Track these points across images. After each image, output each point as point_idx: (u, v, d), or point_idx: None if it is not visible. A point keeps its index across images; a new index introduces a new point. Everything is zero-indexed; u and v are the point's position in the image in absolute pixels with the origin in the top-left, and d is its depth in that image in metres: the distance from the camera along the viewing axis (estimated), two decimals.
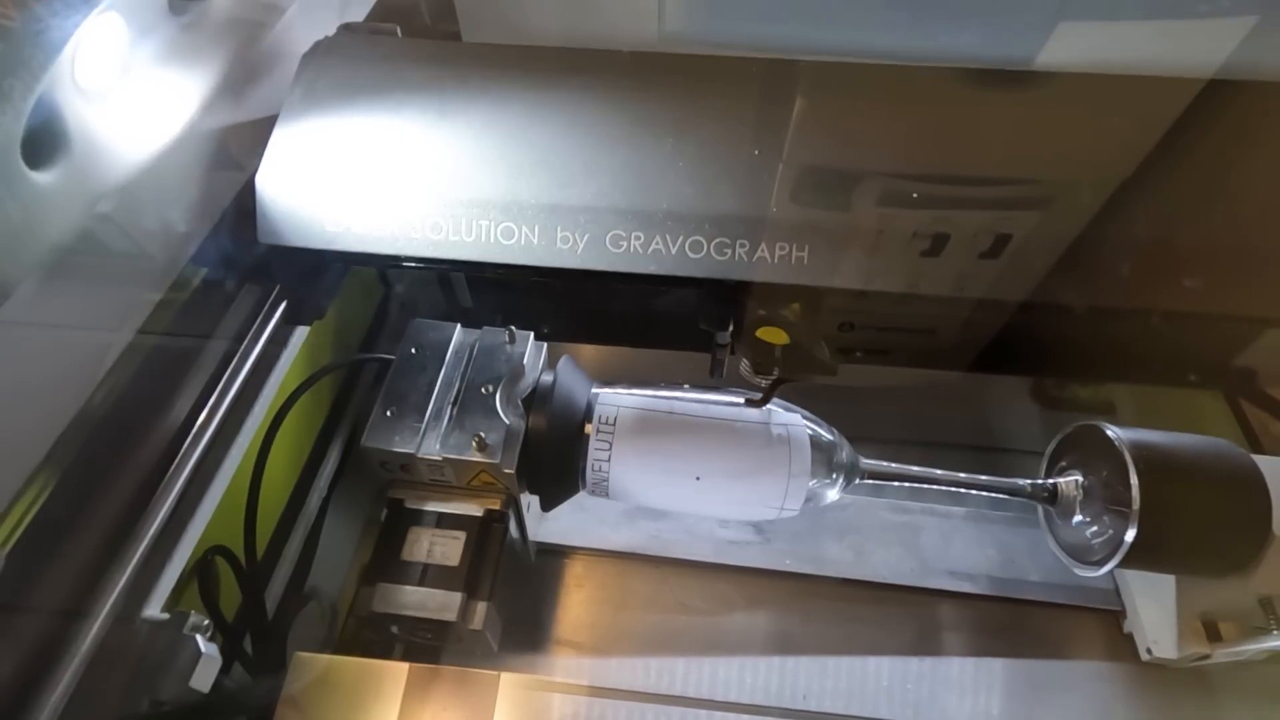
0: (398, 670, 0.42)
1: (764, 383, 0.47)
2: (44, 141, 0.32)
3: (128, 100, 0.38)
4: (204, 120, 0.42)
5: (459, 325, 0.53)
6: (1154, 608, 0.53)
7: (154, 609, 0.39)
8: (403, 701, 0.41)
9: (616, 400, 0.50)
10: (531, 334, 0.52)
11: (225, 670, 0.40)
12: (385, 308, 0.75)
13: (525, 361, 0.51)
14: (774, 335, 0.46)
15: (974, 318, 0.58)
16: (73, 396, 0.34)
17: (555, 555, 0.62)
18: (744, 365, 0.48)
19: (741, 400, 0.50)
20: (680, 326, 0.59)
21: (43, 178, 0.32)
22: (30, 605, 0.33)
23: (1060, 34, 0.68)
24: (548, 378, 0.51)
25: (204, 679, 0.37)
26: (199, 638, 0.37)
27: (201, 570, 0.46)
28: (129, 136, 0.38)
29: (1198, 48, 0.66)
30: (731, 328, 0.46)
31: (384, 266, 0.53)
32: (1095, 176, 0.51)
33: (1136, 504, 0.43)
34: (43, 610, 0.33)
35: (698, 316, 0.48)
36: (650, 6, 0.71)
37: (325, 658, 0.42)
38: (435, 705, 0.41)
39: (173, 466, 0.39)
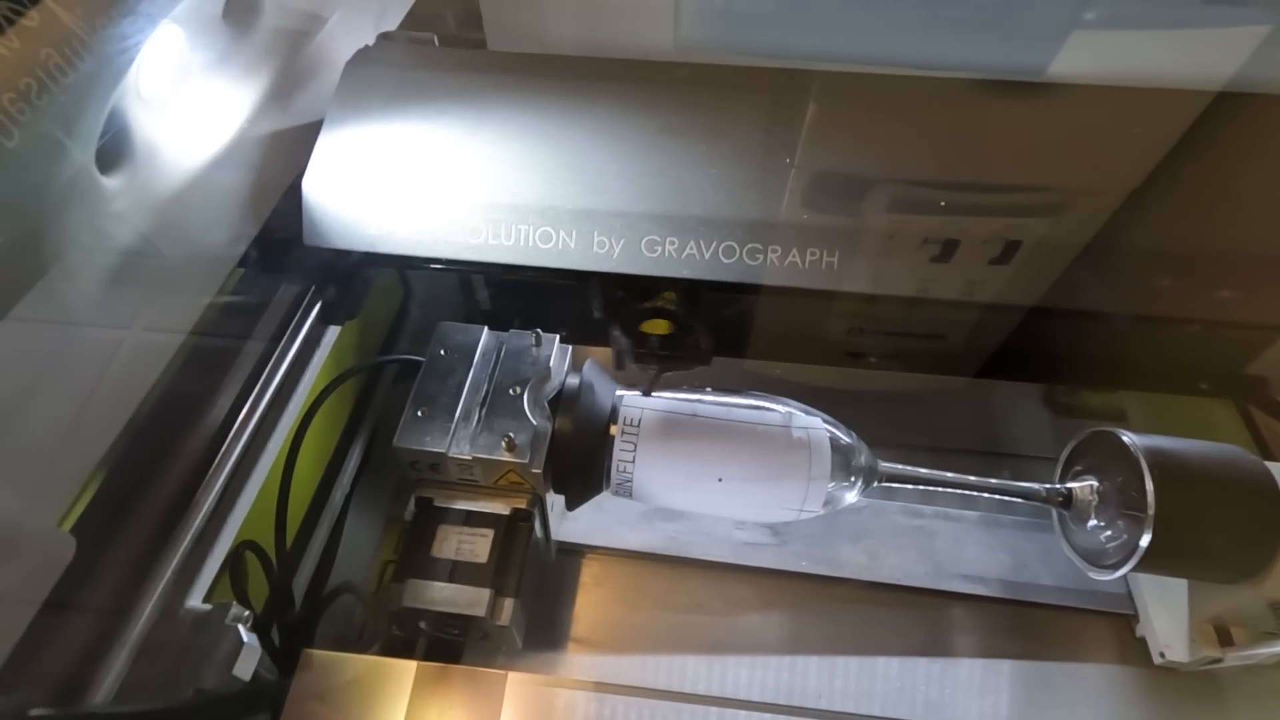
0: (406, 668, 0.43)
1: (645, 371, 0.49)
2: (111, 148, 0.34)
3: (183, 107, 0.39)
4: (252, 127, 0.44)
5: (485, 328, 0.54)
6: (1166, 612, 0.54)
7: (195, 600, 0.40)
8: (411, 699, 0.41)
9: (641, 402, 0.51)
10: (557, 337, 0.53)
11: None
12: (405, 308, 0.76)
13: (551, 364, 0.52)
14: (658, 327, 0.47)
15: (983, 323, 0.59)
16: (130, 393, 0.35)
17: (574, 554, 0.63)
18: (626, 357, 0.49)
19: (763, 405, 0.51)
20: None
21: (110, 183, 0.33)
22: (86, 594, 0.34)
23: (1074, 43, 0.70)
24: (573, 380, 0.52)
25: (245, 668, 0.38)
26: (240, 628, 0.38)
27: (233, 564, 0.47)
28: (183, 143, 0.39)
29: (1210, 57, 0.67)
30: (623, 319, 0.47)
31: (419, 268, 0.54)
32: (1106, 184, 0.52)
33: (1152, 509, 0.44)
34: (98, 599, 0.34)
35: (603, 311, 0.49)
36: (666, 15, 0.72)
37: (335, 655, 0.43)
38: (443, 703, 0.42)
39: (215, 462, 0.40)
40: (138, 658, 0.34)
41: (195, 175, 0.39)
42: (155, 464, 0.38)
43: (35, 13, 0.28)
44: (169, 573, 0.36)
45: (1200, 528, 0.45)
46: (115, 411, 0.34)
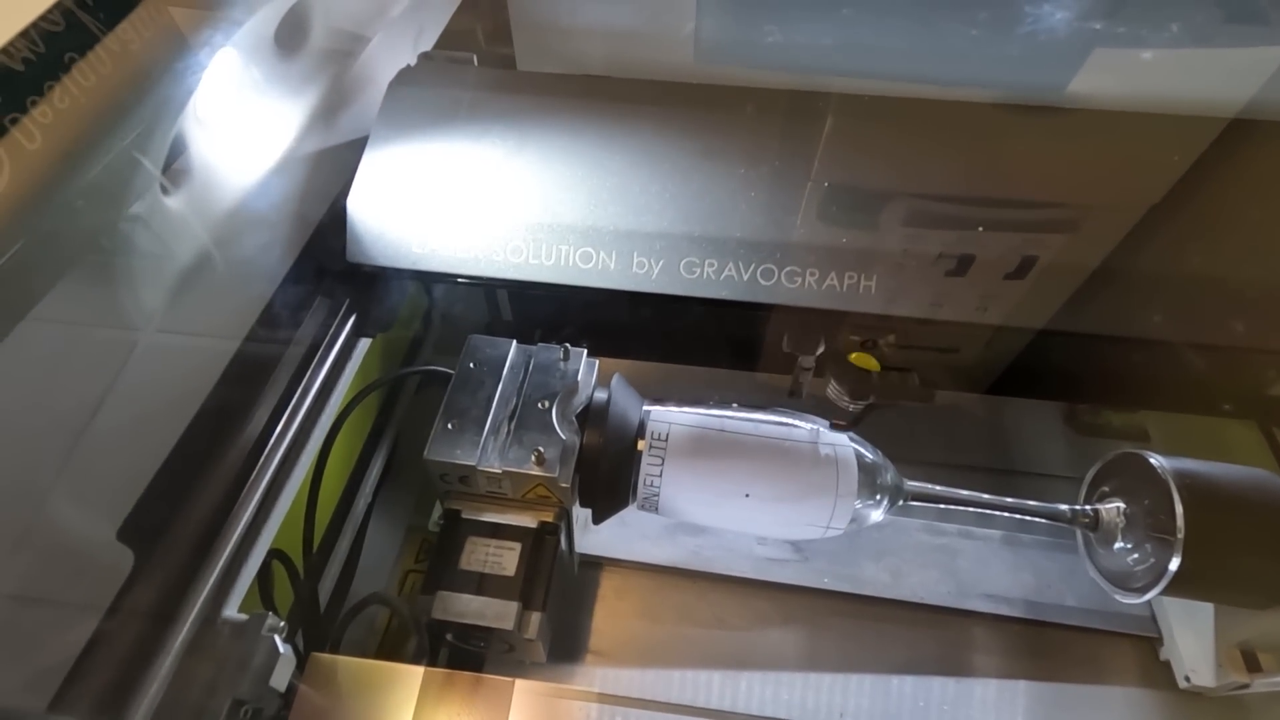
0: (413, 673, 0.42)
1: (853, 407, 0.49)
2: (172, 170, 0.35)
3: (235, 128, 0.40)
4: (299, 145, 0.45)
5: (514, 342, 0.54)
6: (1191, 635, 0.54)
7: (231, 610, 0.40)
8: (417, 705, 0.41)
9: (668, 417, 0.51)
10: (585, 351, 0.54)
11: None
12: (428, 318, 0.77)
13: (579, 378, 0.53)
14: (866, 361, 0.47)
15: (998, 337, 0.59)
16: (185, 405, 0.36)
17: (596, 567, 0.63)
18: (832, 388, 0.49)
19: (790, 421, 0.52)
20: (716, 343, 0.61)
21: (168, 199, 0.34)
22: (131, 604, 0.34)
23: (1095, 60, 0.70)
24: (601, 394, 0.52)
25: (281, 678, 0.38)
26: (276, 638, 0.39)
27: (262, 573, 0.47)
28: (234, 161, 0.40)
29: (1232, 77, 0.67)
30: (820, 351, 0.47)
31: (458, 285, 0.55)
32: (1120, 201, 0.52)
33: (1181, 533, 0.44)
34: (143, 609, 0.35)
35: (782, 339, 0.49)
36: (687, 36, 0.73)
37: (342, 659, 0.43)
38: (449, 710, 0.42)
39: (254, 473, 0.41)
40: (180, 667, 0.34)
41: (245, 192, 0.40)
42: (197, 475, 0.39)
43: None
44: (210, 583, 0.37)
45: (1230, 552, 0.45)
46: (170, 423, 0.35)
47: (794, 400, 0.51)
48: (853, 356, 0.46)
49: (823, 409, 0.51)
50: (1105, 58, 0.71)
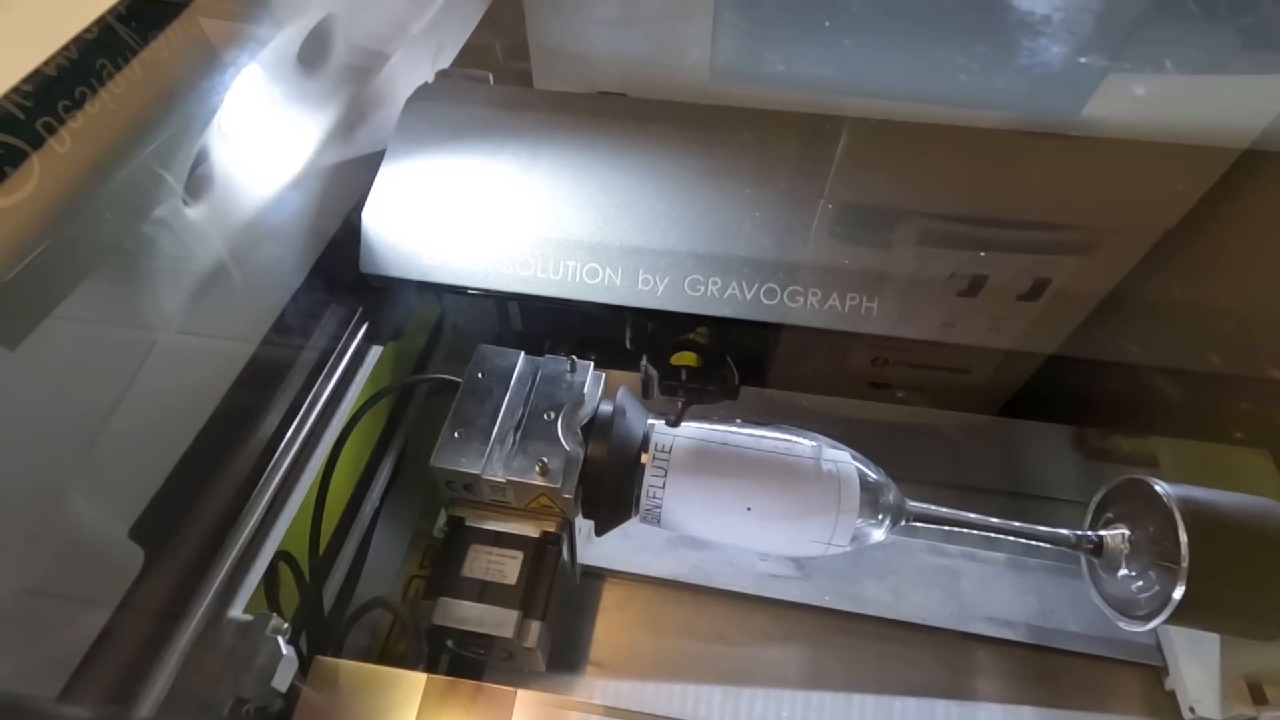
0: (415, 680, 0.43)
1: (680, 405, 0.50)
2: (194, 180, 0.36)
3: (256, 140, 0.41)
4: (318, 159, 0.46)
5: (522, 353, 0.55)
6: (1197, 666, 0.53)
7: (237, 610, 0.41)
8: (419, 712, 0.42)
9: (672, 431, 0.52)
10: (591, 364, 0.54)
11: None
12: (439, 327, 0.78)
13: (585, 390, 0.53)
14: (686, 359, 0.48)
15: (1008, 359, 0.59)
16: (200, 406, 0.37)
17: (598, 579, 0.63)
18: (654, 389, 0.50)
19: (793, 438, 0.52)
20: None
21: (190, 209, 0.36)
22: (140, 601, 0.35)
23: (1110, 85, 0.70)
24: (606, 407, 0.53)
25: (284, 679, 0.39)
26: (280, 639, 0.39)
27: (268, 575, 0.48)
28: (255, 173, 0.41)
29: (1248, 104, 0.67)
30: (654, 350, 0.48)
31: (468, 296, 0.57)
32: (1134, 225, 0.52)
33: (1185, 561, 0.44)
34: (151, 607, 0.35)
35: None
36: (702, 59, 0.74)
37: (345, 664, 0.43)
38: (451, 717, 0.42)
39: (264, 475, 0.41)
40: (184, 666, 0.35)
41: (264, 202, 0.41)
42: (209, 476, 0.40)
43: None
44: (218, 583, 0.37)
45: (1235, 582, 0.45)
46: (185, 424, 0.36)
47: (648, 398, 0.52)
48: (674, 356, 0.47)
49: (658, 405, 0.53)
50: (1119, 83, 0.71)
